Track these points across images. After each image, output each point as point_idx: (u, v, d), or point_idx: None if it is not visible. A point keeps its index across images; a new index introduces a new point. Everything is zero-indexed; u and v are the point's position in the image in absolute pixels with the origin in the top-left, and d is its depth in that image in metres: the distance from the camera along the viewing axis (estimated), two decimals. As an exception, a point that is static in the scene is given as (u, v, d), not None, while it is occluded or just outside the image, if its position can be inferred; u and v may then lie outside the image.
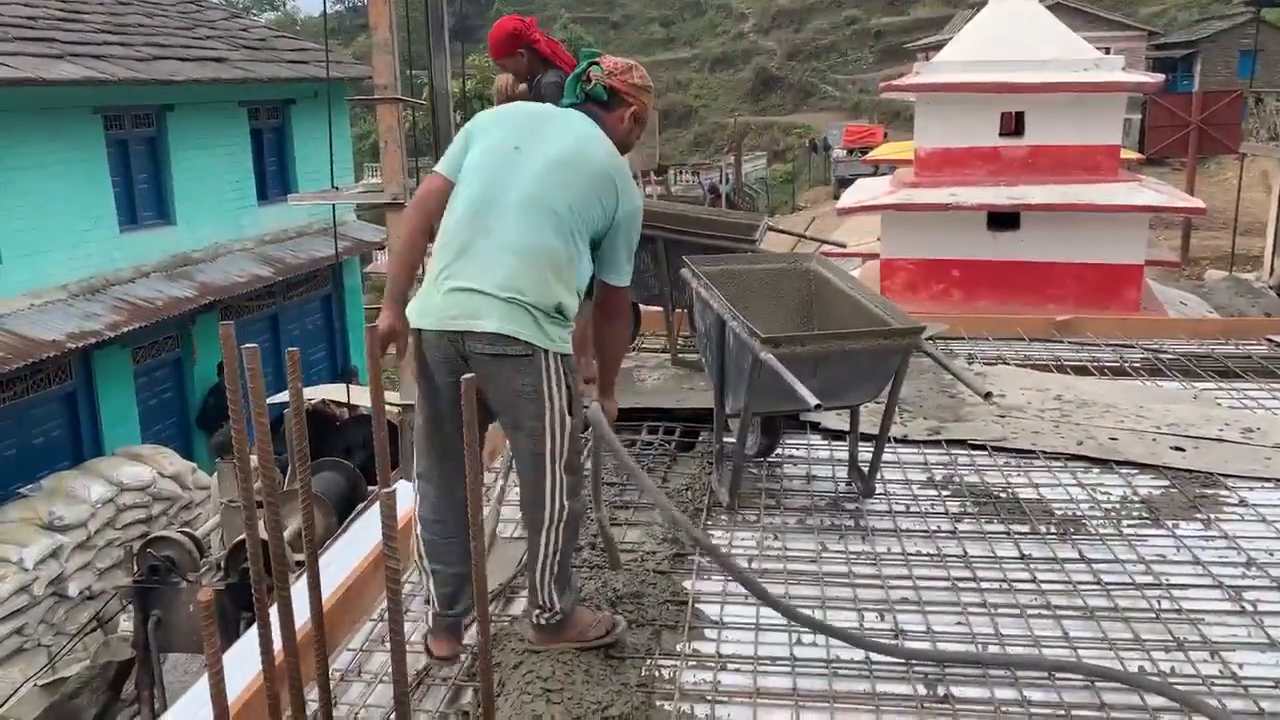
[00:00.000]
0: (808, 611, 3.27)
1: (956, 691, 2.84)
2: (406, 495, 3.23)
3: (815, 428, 5.01)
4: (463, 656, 3.03)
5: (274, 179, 15.69)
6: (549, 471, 2.79)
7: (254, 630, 2.37)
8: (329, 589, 3.33)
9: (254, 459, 2.20)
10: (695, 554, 3.70)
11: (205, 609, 1.46)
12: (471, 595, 2.77)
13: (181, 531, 6.27)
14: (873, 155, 26.27)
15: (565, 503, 2.83)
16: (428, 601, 3.01)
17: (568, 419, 2.79)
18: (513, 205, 2.80)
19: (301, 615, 2.31)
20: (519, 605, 3.32)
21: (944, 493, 4.25)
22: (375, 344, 2.76)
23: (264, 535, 5.43)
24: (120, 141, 12.75)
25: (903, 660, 2.97)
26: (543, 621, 2.91)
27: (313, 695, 2.46)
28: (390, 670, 2.33)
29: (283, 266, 14.58)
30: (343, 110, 15.42)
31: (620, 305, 3.13)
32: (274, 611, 2.35)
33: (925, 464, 4.57)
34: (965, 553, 3.68)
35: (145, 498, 10.70)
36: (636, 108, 3.10)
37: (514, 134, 2.94)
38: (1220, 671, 2.93)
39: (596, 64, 3.06)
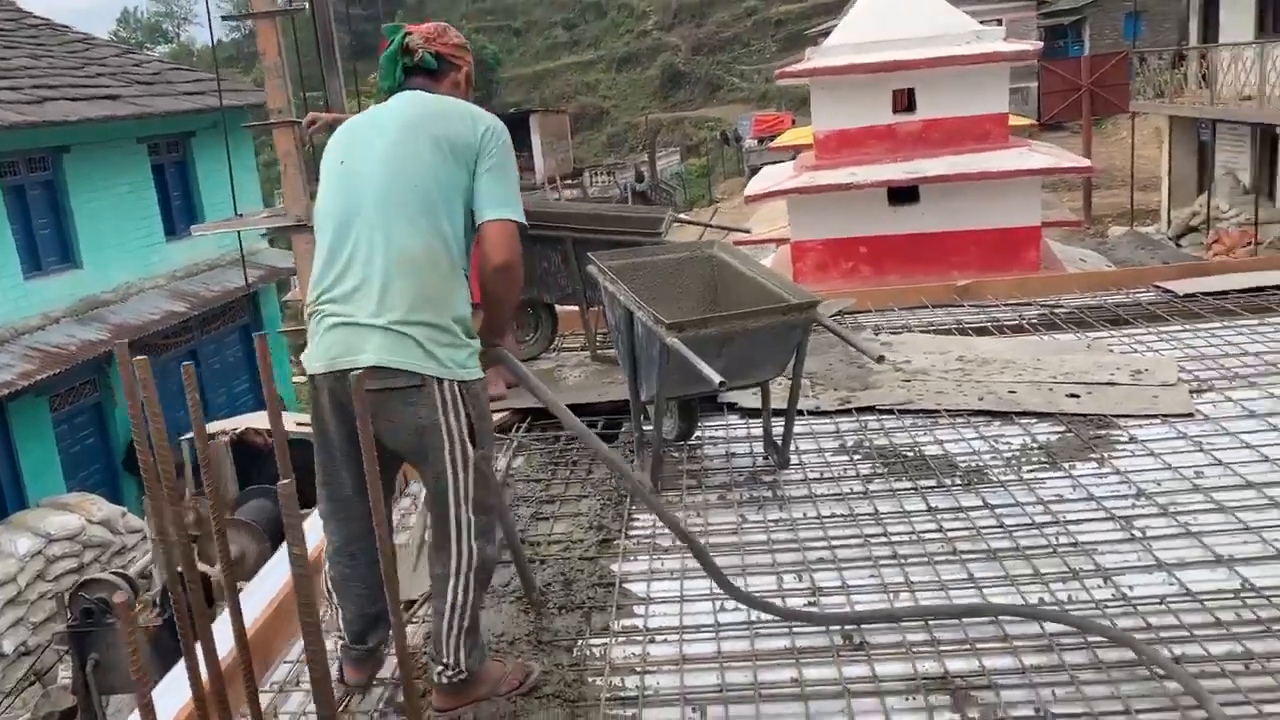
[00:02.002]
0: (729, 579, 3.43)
1: (871, 639, 3.00)
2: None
3: (732, 408, 5.17)
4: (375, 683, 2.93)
5: (181, 213, 15.45)
6: (453, 513, 2.58)
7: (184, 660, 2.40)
8: (264, 605, 3.40)
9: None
10: (620, 537, 3.83)
11: (126, 620, 1.53)
12: (384, 629, 2.79)
13: (114, 573, 6.22)
14: (778, 143, 26.66)
15: (474, 545, 2.60)
16: (340, 636, 2.84)
17: (470, 451, 2.57)
18: (368, 215, 2.59)
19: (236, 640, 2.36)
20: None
21: (855, 457, 4.43)
22: (265, 356, 2.66)
23: (203, 567, 5.41)
24: (16, 188, 12.48)
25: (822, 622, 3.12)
26: (445, 680, 2.66)
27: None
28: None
29: (197, 300, 14.40)
30: (245, 138, 15.25)
31: (509, 241, 2.66)
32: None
33: (837, 432, 4.75)
34: (876, 510, 3.86)
35: (75, 546, 10.51)
36: (466, 68, 2.95)
37: (337, 153, 2.75)
38: (1113, 595, 3.14)
39: (409, 34, 2.85)
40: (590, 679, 2.92)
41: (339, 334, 2.55)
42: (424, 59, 2.83)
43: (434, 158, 2.63)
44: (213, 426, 9.32)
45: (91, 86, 13.83)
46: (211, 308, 14.86)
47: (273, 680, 3.13)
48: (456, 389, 2.56)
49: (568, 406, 5.24)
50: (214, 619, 3.14)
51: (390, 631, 2.76)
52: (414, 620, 3.35)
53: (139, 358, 1.68)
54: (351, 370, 2.41)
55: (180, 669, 3.20)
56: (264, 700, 2.97)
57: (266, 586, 3.68)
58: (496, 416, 4.76)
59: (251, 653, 3.02)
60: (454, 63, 2.91)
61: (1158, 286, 6.93)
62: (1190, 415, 4.51)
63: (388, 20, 5.43)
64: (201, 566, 5.69)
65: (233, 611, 2.13)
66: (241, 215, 8.73)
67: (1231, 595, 3.05)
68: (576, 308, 6.17)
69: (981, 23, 10.88)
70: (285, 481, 1.49)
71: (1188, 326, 5.94)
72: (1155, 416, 4.54)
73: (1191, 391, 4.79)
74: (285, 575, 3.59)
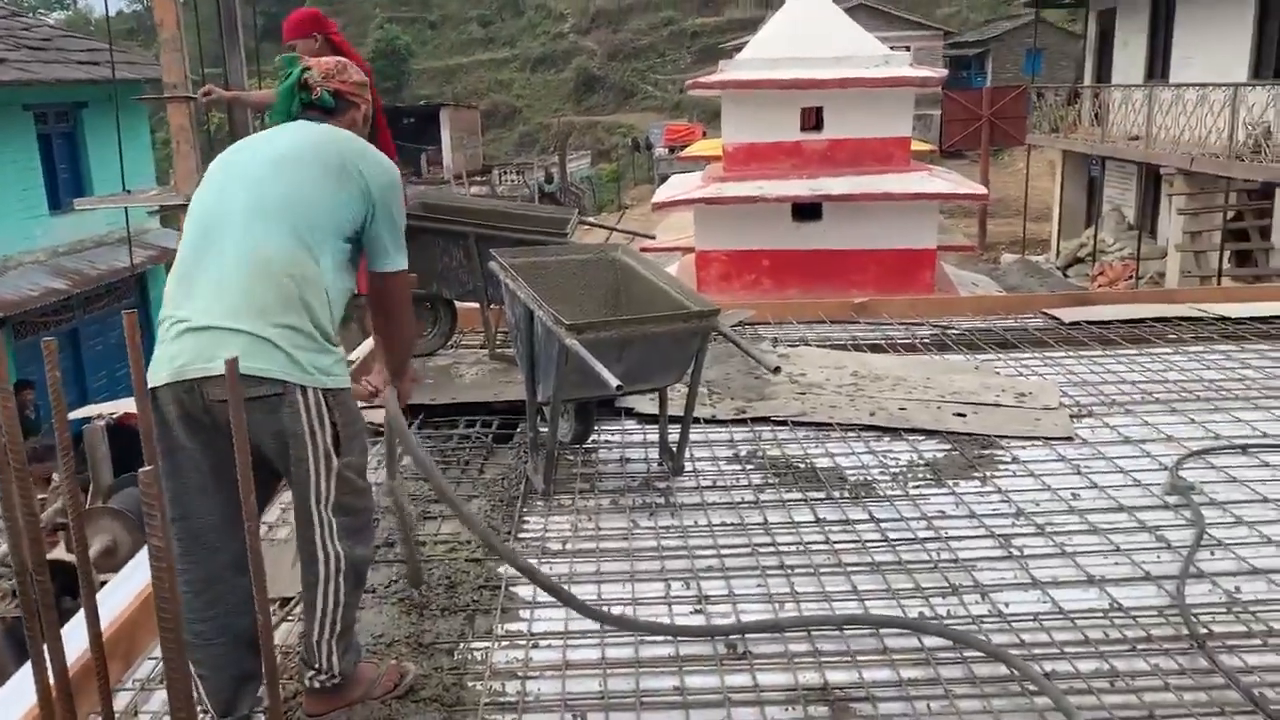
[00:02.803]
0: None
1: (754, 648, 3.02)
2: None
3: (629, 413, 5.16)
4: None
5: (68, 186, 14.82)
6: (316, 519, 2.46)
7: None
8: (130, 598, 3.25)
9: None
10: (509, 540, 3.77)
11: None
12: (254, 690, 2.55)
13: (-30, 559, 5.88)
14: (687, 152, 26.87)
15: (339, 549, 2.48)
16: (203, 710, 2.53)
17: (334, 458, 2.46)
18: (234, 223, 2.47)
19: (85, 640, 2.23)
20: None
21: (748, 467, 4.46)
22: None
23: (64, 556, 5.12)
24: (-114, 149, 11.82)
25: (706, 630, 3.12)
26: (318, 685, 2.57)
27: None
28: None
29: (80, 279, 13.81)
30: (139, 112, 14.70)
31: (399, 294, 2.79)
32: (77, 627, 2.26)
33: (732, 441, 4.78)
34: (766, 520, 3.89)
35: (-68, 531, 9.94)
36: (365, 107, 2.89)
37: (218, 169, 2.65)
38: (989, 611, 3.21)
39: (307, 69, 2.78)
40: (470, 683, 2.86)
41: (189, 340, 2.38)
42: (322, 98, 2.76)
43: (320, 177, 2.55)
44: (91, 409, 8.93)
45: (-25, 48, 13.17)
46: (95, 287, 14.27)
47: (135, 677, 2.99)
48: (321, 396, 2.43)
49: (463, 404, 5.23)
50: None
51: (262, 692, 2.52)
52: (290, 618, 3.25)
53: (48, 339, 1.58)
54: (205, 378, 2.32)
55: (29, 667, 3.05)
56: (125, 698, 2.85)
57: (135, 578, 3.52)
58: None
59: (115, 647, 2.89)
60: (352, 101, 2.84)
61: (1045, 313, 7.17)
62: (1070, 439, 4.66)
63: (296, 6, 5.31)
64: (68, 556, 5.43)
65: (87, 604, 2.01)
66: (130, 192, 8.39)
67: (1101, 614, 3.15)
68: (477, 305, 6.10)
69: (890, 49, 11.13)
70: (148, 469, 1.41)
71: (1071, 353, 6.15)
72: (1037, 439, 4.68)
73: (1072, 416, 4.95)
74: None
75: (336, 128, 2.72)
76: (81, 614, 2.32)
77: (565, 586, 3.38)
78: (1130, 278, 19.12)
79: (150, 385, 2.35)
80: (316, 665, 2.55)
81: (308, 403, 2.40)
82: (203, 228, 2.50)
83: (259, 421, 2.36)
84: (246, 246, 2.44)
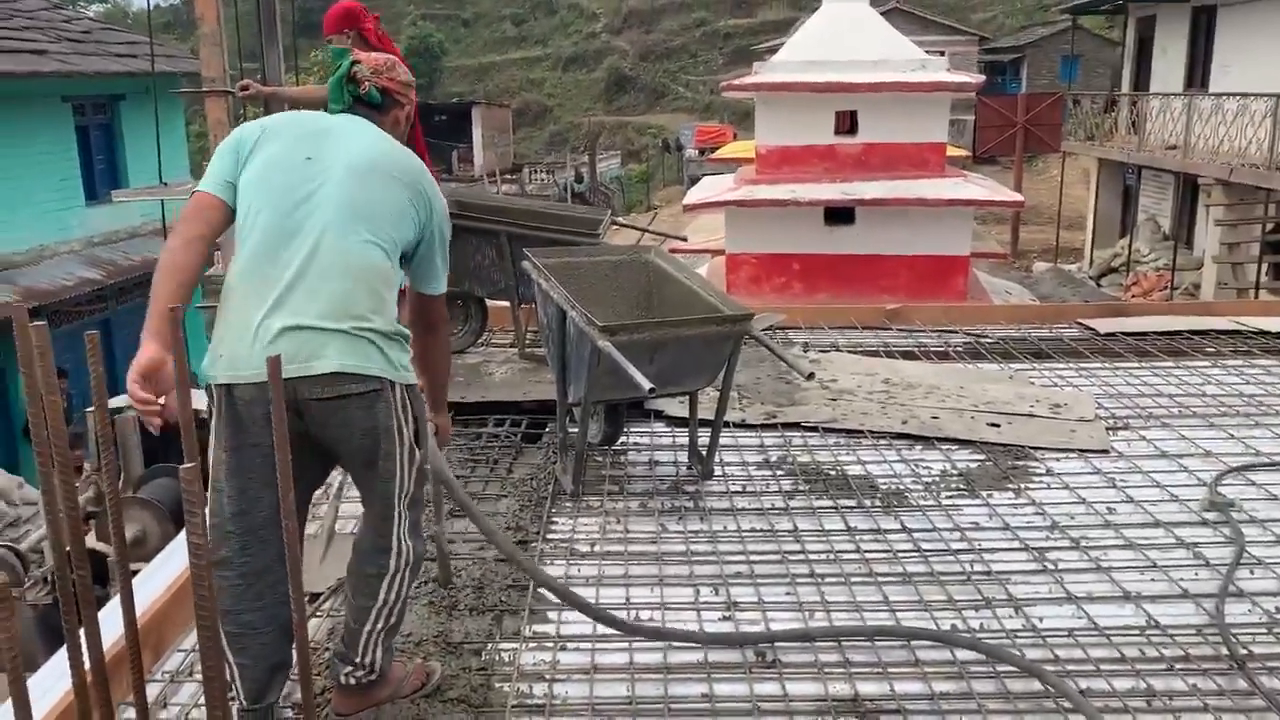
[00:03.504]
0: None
1: (783, 657, 2.99)
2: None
3: (659, 416, 5.13)
4: None
5: (104, 178, 14.94)
6: (395, 512, 2.51)
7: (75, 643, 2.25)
8: (161, 589, 3.26)
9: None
10: (537, 542, 3.76)
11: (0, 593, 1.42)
12: (283, 680, 2.57)
13: (3, 546, 5.95)
14: (718, 155, 26.80)
15: (410, 543, 2.55)
16: (231, 697, 2.48)
17: (416, 453, 2.54)
18: (325, 220, 2.45)
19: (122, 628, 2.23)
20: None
21: (778, 472, 4.42)
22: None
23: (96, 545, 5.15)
24: (-72, 137, 11.97)
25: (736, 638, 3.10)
26: (353, 681, 2.56)
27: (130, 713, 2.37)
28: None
29: (114, 269, 13.93)
30: (175, 105, 14.83)
31: (442, 313, 2.90)
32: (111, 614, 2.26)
33: (761, 446, 4.74)
34: (796, 527, 3.85)
35: (-34, 516, 10.05)
36: (409, 107, 2.86)
37: (299, 144, 2.57)
38: (1023, 625, 3.16)
39: (357, 63, 2.76)
40: (497, 684, 2.85)
41: (286, 339, 2.33)
42: (370, 93, 2.74)
43: (397, 192, 2.58)
44: (123, 400, 9.01)
45: (15, 39, 13.30)
46: (129, 278, 14.38)
47: (164, 669, 3.00)
48: (406, 392, 2.51)
49: (493, 402, 5.23)
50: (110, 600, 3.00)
51: (284, 686, 2.60)
52: (318, 614, 3.25)
53: (36, 323, 1.57)
54: (301, 377, 2.31)
55: (64, 654, 3.07)
56: (155, 689, 2.85)
57: (166, 569, 3.54)
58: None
59: (145, 638, 2.90)
60: (398, 100, 2.81)
61: (1080, 323, 7.08)
62: (1105, 451, 4.60)
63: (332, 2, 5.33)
64: (100, 545, 5.48)
65: (123, 595, 2.01)
66: (166, 184, 8.45)
67: (1138, 632, 3.10)
68: (508, 303, 6.09)
69: (925, 53, 11.05)
70: (189, 465, 1.40)
71: (1107, 364, 6.07)
72: (1072, 451, 4.61)
73: (1107, 428, 4.88)
74: (186, 558, 3.46)
75: (402, 147, 2.71)
76: (113, 603, 2.33)
77: (593, 588, 3.38)
78: (1165, 288, 18.87)
79: (223, 381, 2.36)
80: (356, 660, 2.54)
81: (398, 399, 2.46)
82: (281, 232, 2.44)
83: (354, 418, 2.40)
84: (343, 252, 2.44)
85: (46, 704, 2.58)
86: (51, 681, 2.76)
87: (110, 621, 2.54)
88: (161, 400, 2.29)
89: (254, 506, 2.41)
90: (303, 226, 2.44)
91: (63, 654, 3.04)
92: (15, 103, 12.98)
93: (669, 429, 5.00)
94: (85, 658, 1.92)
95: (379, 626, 2.54)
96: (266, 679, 2.52)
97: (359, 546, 2.57)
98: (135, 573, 3.75)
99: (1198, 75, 20.03)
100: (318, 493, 3.98)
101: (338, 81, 2.74)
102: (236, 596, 2.43)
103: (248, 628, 2.46)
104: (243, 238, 2.47)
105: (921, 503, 4.09)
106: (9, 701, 1.83)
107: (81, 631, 1.92)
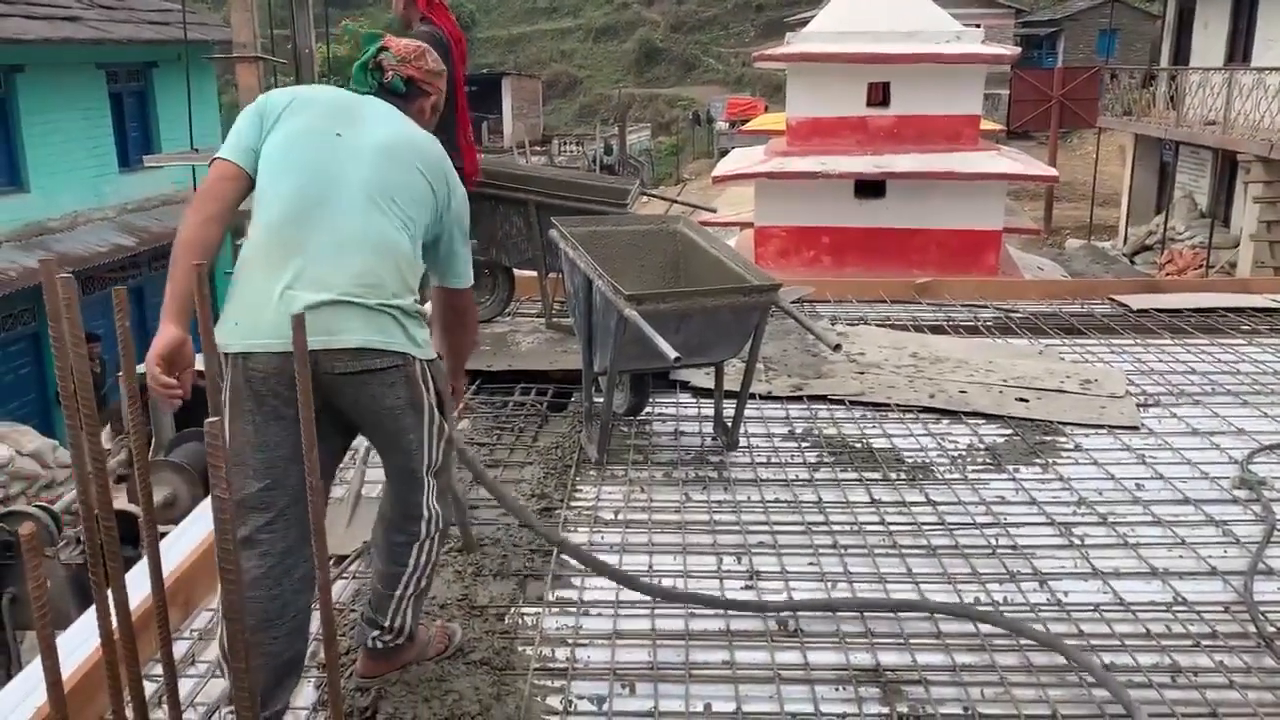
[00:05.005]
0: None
1: (806, 626, 2.99)
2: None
3: (684, 387, 5.13)
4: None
5: (137, 144, 15.07)
6: (423, 483, 2.50)
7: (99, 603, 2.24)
8: (190, 549, 3.30)
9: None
10: (561, 509, 3.78)
11: (29, 542, 1.44)
12: (293, 683, 2.51)
13: (38, 506, 6.05)
14: (749, 127, 26.57)
15: (438, 510, 2.55)
16: (230, 711, 2.37)
17: (442, 424, 2.53)
18: (353, 196, 2.41)
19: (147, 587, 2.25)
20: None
21: (803, 444, 4.41)
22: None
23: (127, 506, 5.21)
24: (-35, 103, 12.10)
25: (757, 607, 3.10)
26: (380, 645, 2.59)
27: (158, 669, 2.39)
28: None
29: (147, 236, 14.06)
30: (208, 72, 14.88)
31: (472, 308, 2.91)
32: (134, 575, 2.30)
33: (787, 418, 4.73)
34: (820, 499, 3.84)
35: (2, 478, 10.22)
36: (435, 96, 2.76)
37: (328, 118, 2.51)
38: (1048, 599, 3.15)
39: (385, 49, 2.67)
40: (520, 648, 2.87)
41: (306, 313, 2.17)
42: (393, 82, 2.65)
43: (421, 177, 2.54)
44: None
45: (51, 5, 13.39)
46: (161, 244, 14.50)
47: (193, 628, 3.04)
48: (428, 367, 2.48)
49: (519, 371, 5.24)
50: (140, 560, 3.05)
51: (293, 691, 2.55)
52: (344, 576, 3.28)
53: (63, 275, 1.58)
54: (324, 350, 2.25)
55: (88, 616, 3.11)
56: (183, 647, 2.90)
57: (194, 530, 3.58)
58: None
59: (174, 597, 2.95)
60: (424, 90, 2.71)
61: (1112, 300, 7.00)
62: (1136, 428, 4.55)
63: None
64: (129, 506, 5.56)
65: (150, 553, 2.04)
66: (198, 150, 8.50)
67: (1164, 608, 3.08)
68: (535, 273, 6.09)
69: (962, 26, 10.88)
70: (213, 420, 1.41)
71: (1139, 341, 6.00)
72: (1101, 427, 4.57)
73: (1138, 405, 4.83)
74: (209, 525, 3.50)
75: (428, 135, 2.64)
76: (143, 562, 2.36)
77: (617, 555, 3.39)
78: (1200, 266, 18.60)
79: (240, 350, 2.30)
80: (385, 624, 2.56)
81: (420, 374, 2.44)
82: (308, 202, 2.39)
83: (378, 394, 2.37)
84: (367, 228, 2.40)
85: (79, 657, 2.63)
86: (82, 638, 2.81)
87: (140, 580, 2.58)
88: (177, 382, 2.29)
89: (281, 482, 2.35)
90: (329, 199, 2.40)
91: (93, 611, 3.10)
92: (51, 69, 13.08)
93: (694, 400, 5.00)
94: (113, 614, 1.95)
95: (409, 591, 2.55)
96: (274, 681, 2.43)
97: (385, 514, 2.57)
98: (164, 534, 3.81)
99: (1239, 49, 19.62)
100: (345, 459, 4.02)
101: (361, 67, 2.67)
102: (257, 583, 2.35)
103: (265, 619, 2.37)
104: (263, 205, 2.42)
105: (947, 476, 4.06)
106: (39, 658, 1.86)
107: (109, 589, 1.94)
